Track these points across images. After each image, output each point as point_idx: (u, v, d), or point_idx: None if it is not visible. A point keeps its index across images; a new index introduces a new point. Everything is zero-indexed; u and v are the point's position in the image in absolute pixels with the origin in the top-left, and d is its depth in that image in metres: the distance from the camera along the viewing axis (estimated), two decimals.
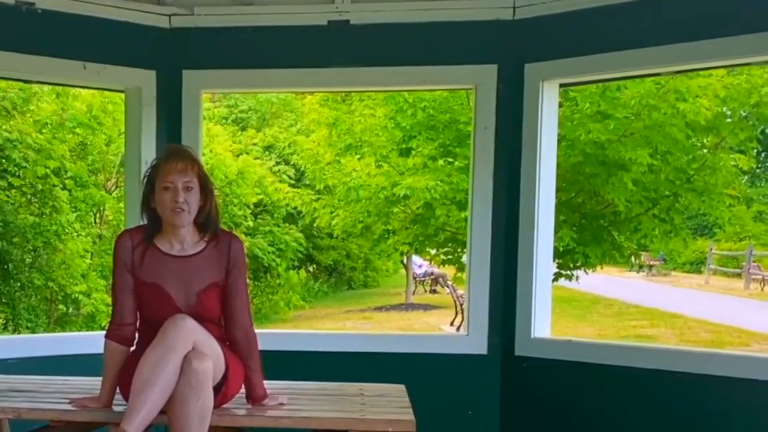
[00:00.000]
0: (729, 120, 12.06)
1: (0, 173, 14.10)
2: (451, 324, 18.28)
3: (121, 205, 11.70)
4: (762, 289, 26.89)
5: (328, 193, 16.19)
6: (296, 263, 23.21)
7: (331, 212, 15.47)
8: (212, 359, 3.47)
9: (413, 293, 25.31)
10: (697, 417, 4.53)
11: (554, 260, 10.20)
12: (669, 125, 11.23)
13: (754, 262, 28.72)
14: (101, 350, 3.71)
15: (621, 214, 11.99)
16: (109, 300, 3.90)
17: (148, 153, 5.01)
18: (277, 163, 22.58)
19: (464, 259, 11.60)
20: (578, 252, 12.35)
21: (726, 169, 12.12)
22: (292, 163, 20.45)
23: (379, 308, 22.83)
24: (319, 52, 5.16)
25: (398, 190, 13.09)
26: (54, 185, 14.40)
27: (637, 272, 34.80)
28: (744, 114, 11.93)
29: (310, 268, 27.33)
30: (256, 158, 20.68)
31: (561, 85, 5.23)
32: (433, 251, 15.47)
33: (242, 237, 16.84)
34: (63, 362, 4.82)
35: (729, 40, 4.33)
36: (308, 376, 4.29)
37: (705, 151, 12.38)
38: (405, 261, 24.30)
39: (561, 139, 9.99)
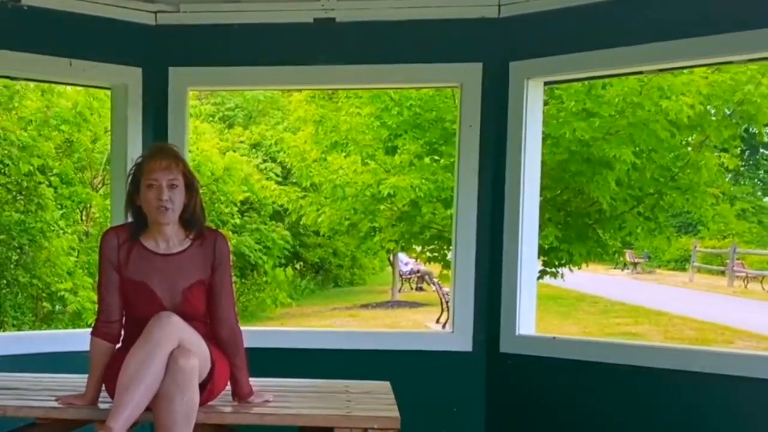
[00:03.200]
0: (713, 118, 12.10)
1: None
2: (437, 321, 18.31)
3: (108, 202, 11.67)
4: (746, 287, 27.03)
5: (314, 191, 16.19)
6: (283, 261, 23.18)
7: (318, 210, 15.47)
8: (198, 356, 3.47)
9: (399, 291, 25.33)
10: (681, 413, 4.55)
11: (539, 258, 10.26)
12: (653, 122, 11.27)
13: (738, 259, 28.87)
14: (87, 347, 3.71)
15: (606, 212, 12.03)
16: (96, 297, 3.89)
17: (135, 150, 4.99)
18: (264, 161, 22.56)
19: (450, 256, 11.64)
20: (563, 250, 12.41)
21: (710, 167, 12.17)
22: (278, 160, 20.45)
23: (366, 306, 22.83)
24: (304, 49, 5.17)
25: (383, 188, 13.12)
26: (39, 182, 14.36)
27: (622, 270, 34.91)
28: (728, 112, 11.97)
29: (297, 266, 27.28)
30: (242, 156, 20.65)
31: (546, 83, 5.26)
32: (419, 249, 15.50)
33: (229, 234, 16.87)
34: (49, 360, 4.81)
35: (712, 38, 4.35)
36: (294, 373, 4.30)
37: (689, 149, 12.43)
38: (391, 258, 24.31)
39: (546, 137, 10.03)
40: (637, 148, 11.53)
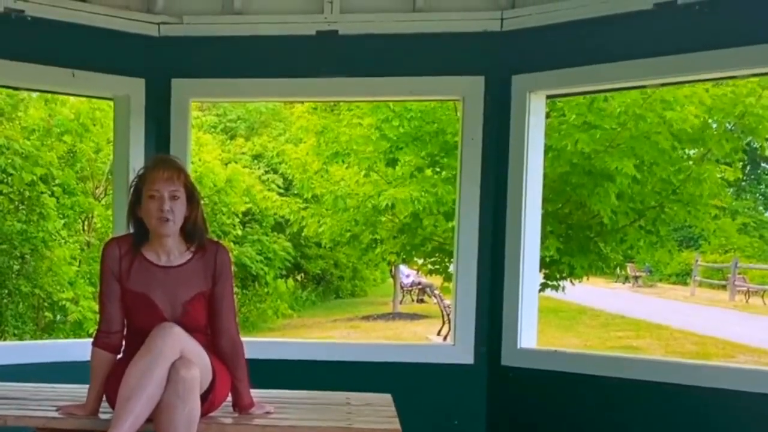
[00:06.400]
0: (715, 131, 12.07)
1: None
2: (438, 333, 18.29)
3: (109, 212, 11.68)
4: (747, 301, 27.00)
5: (315, 202, 16.18)
6: (284, 272, 23.19)
7: (319, 221, 15.46)
8: (199, 367, 3.47)
9: (400, 303, 25.30)
10: (682, 427, 4.55)
11: (540, 271, 10.24)
12: (655, 134, 11.26)
13: (739, 274, 28.84)
14: (88, 357, 3.71)
15: (607, 225, 12.01)
16: (97, 307, 3.89)
17: (137, 161, 5.02)
18: (266, 172, 22.58)
19: (451, 268, 11.62)
20: (564, 262, 12.36)
21: (712, 181, 12.15)
22: (280, 172, 20.45)
23: (367, 317, 22.80)
24: (307, 62, 5.20)
25: (382, 200, 13.12)
26: (41, 192, 14.37)
27: (623, 283, 34.91)
28: (730, 126, 11.96)
29: (298, 277, 27.29)
30: (244, 167, 20.68)
31: (548, 97, 5.28)
32: (421, 261, 15.46)
33: (230, 246, 16.86)
34: (50, 369, 4.82)
35: (714, 53, 4.38)
36: (295, 384, 4.30)
37: (691, 162, 12.41)
38: (392, 270, 24.30)
39: (548, 149, 10.02)
40: (639, 161, 11.51)
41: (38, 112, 14.75)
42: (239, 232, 19.64)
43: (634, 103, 11.18)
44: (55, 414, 3.67)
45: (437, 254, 14.01)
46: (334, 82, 5.25)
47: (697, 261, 31.94)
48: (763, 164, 40.27)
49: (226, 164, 19.45)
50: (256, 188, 19.99)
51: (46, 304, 14.93)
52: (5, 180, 14.09)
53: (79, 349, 4.49)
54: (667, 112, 11.08)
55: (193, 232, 3.69)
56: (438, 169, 13.23)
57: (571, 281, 13.62)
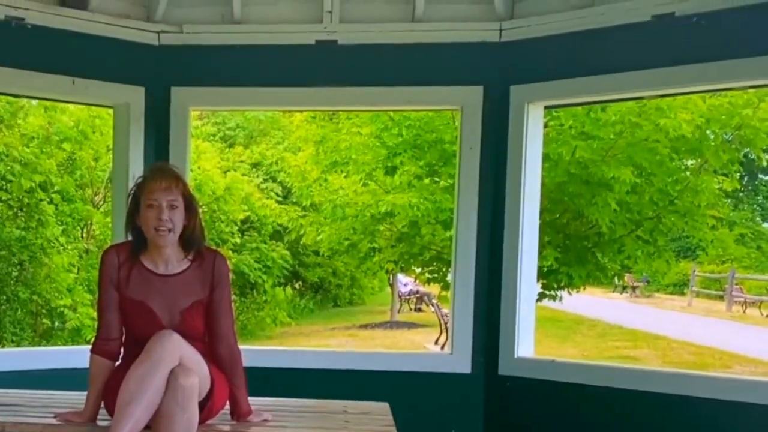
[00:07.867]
0: (712, 143, 12.09)
1: None
2: (436, 342, 18.28)
3: (108, 219, 11.67)
4: (744, 312, 27.01)
5: (314, 211, 16.20)
6: (282, 280, 23.15)
7: (317, 229, 15.47)
8: (198, 375, 3.47)
9: (398, 311, 25.28)
10: None
11: (538, 280, 10.24)
12: (652, 141, 11.27)
13: (737, 284, 28.84)
14: (86, 364, 3.72)
15: (605, 234, 12.02)
16: (95, 314, 3.90)
17: (136, 169, 5.03)
18: (265, 180, 22.58)
19: (449, 277, 11.62)
20: (562, 272, 12.37)
21: (709, 191, 12.16)
22: (279, 180, 20.45)
23: (365, 326, 22.79)
24: (306, 71, 5.21)
25: (381, 206, 13.13)
26: (40, 199, 14.37)
27: (621, 293, 34.90)
28: (727, 137, 11.97)
29: (297, 285, 27.25)
30: (243, 175, 20.67)
31: (546, 107, 5.30)
32: (419, 270, 15.48)
33: (229, 254, 16.85)
34: (48, 376, 4.82)
35: (712, 65, 4.39)
36: (293, 393, 4.31)
37: (688, 173, 12.43)
38: (390, 279, 24.29)
39: (545, 158, 10.04)
40: (636, 171, 11.52)
41: (38, 119, 14.74)
42: (238, 240, 19.62)
43: (630, 111, 11.20)
44: (53, 421, 3.68)
45: (435, 263, 14.02)
46: (333, 92, 5.27)
47: (694, 271, 31.93)
48: (760, 175, 40.31)
49: (225, 172, 19.44)
50: (254, 196, 19.99)
51: (44, 310, 14.91)
52: (4, 187, 14.08)
53: (77, 356, 4.50)
54: (661, 120, 11.08)
55: (191, 240, 3.70)
56: (436, 178, 13.26)
57: (568, 291, 13.63)
